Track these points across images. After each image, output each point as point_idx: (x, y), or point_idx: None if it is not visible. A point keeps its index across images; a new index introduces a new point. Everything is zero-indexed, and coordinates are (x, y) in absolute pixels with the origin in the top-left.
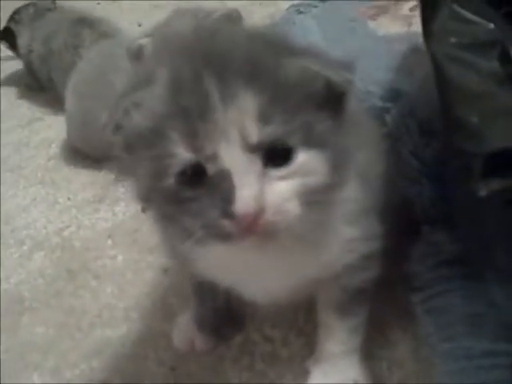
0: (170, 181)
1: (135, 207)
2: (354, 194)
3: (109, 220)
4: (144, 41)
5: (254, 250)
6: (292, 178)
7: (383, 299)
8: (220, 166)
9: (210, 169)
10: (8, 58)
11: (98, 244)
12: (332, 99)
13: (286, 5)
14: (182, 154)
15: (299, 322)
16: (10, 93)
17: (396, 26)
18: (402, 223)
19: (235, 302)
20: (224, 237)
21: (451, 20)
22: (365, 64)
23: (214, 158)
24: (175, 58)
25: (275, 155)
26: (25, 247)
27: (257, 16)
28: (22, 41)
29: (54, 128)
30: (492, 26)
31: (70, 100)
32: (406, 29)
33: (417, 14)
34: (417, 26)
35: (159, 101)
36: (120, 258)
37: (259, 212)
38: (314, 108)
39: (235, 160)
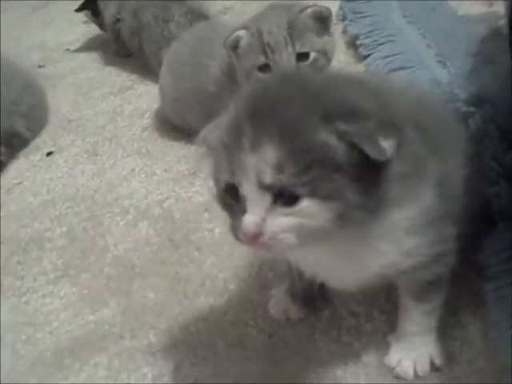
0: (221, 189)
1: None
2: (426, 204)
3: (204, 194)
4: (241, 32)
5: (321, 251)
6: (293, 217)
7: (455, 285)
8: (242, 192)
9: (240, 191)
10: (90, 21)
11: (196, 217)
12: (359, 164)
13: None
14: (225, 174)
15: (381, 300)
16: (98, 59)
17: (477, 6)
18: (479, 218)
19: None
20: (240, 241)
21: None
22: (445, 48)
23: (239, 185)
24: (241, 100)
25: (284, 197)
26: (129, 216)
27: None
28: (109, 11)
29: (145, 97)
30: None
31: (164, 77)
32: (487, 8)
33: None
34: (497, 7)
35: (223, 129)
36: (217, 230)
37: (258, 234)
38: (330, 169)
39: (249, 192)
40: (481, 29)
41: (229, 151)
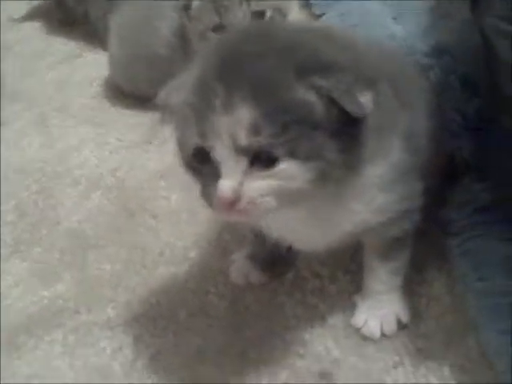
0: (189, 156)
1: None
2: (395, 159)
3: (158, 161)
4: None
5: (293, 214)
6: (272, 179)
7: (419, 241)
8: (214, 156)
9: (211, 155)
10: None
11: (151, 184)
12: (338, 120)
13: None
14: (194, 138)
15: (345, 260)
16: (42, 28)
17: None
18: (443, 174)
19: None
20: (213, 208)
21: None
22: (400, 5)
23: (212, 149)
24: (207, 57)
25: (261, 159)
26: (81, 187)
27: None
28: None
29: (93, 65)
30: None
31: (113, 42)
32: None
33: None
34: None
35: (188, 89)
36: (173, 198)
37: (235, 200)
38: (308, 127)
39: (224, 155)
40: None
41: (197, 112)
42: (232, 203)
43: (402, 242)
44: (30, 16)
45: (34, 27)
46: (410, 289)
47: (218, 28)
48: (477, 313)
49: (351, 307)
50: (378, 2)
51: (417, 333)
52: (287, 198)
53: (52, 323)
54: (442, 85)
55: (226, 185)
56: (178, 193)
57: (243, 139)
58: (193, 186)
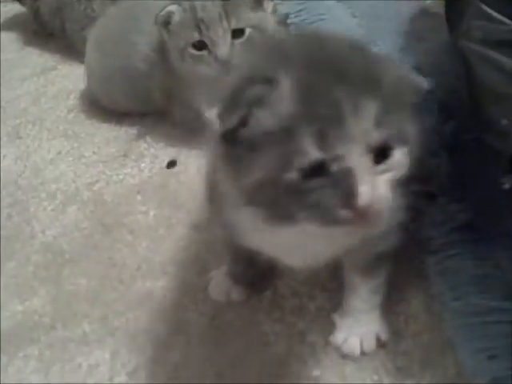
0: (293, 174)
1: (160, 164)
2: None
3: (136, 176)
4: (173, 8)
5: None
6: (389, 171)
7: (398, 260)
8: (344, 164)
9: (334, 167)
10: (6, 0)
11: (128, 199)
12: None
13: None
14: (312, 152)
15: (323, 278)
16: (16, 39)
17: None
18: (421, 193)
19: (265, 262)
20: (338, 223)
21: (478, 18)
22: (375, 27)
23: (340, 157)
24: (293, 63)
25: (379, 153)
26: (57, 201)
27: None
28: None
29: (70, 78)
30: None
31: (91, 55)
32: None
33: None
34: None
35: (288, 102)
36: (151, 213)
37: (372, 204)
38: (405, 111)
39: (359, 160)
40: (409, 8)
41: (317, 124)
42: (371, 207)
43: (383, 260)
44: (6, 27)
45: (10, 38)
46: (389, 307)
47: (199, 44)
48: (453, 332)
49: (330, 325)
50: (354, 23)
51: (395, 351)
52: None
53: (26, 339)
54: (420, 106)
55: (367, 190)
56: (156, 208)
57: (374, 136)
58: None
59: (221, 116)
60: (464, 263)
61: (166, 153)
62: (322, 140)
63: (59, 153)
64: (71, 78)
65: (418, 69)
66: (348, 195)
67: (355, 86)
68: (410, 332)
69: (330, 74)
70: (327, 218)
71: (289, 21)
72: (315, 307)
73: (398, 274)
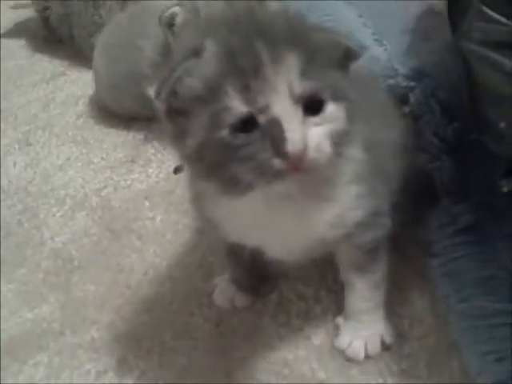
0: (224, 132)
1: (167, 169)
2: (356, 156)
3: (143, 181)
4: (176, 9)
5: (274, 208)
6: (323, 124)
7: (402, 262)
8: (271, 115)
9: (261, 118)
10: (17, 6)
11: (136, 205)
12: (346, 62)
13: None
14: (237, 107)
15: (328, 280)
16: (27, 45)
17: None
18: (421, 194)
19: (263, 263)
20: (275, 175)
21: (478, 20)
22: (381, 27)
23: (266, 108)
24: (220, 31)
25: (311, 106)
26: (66, 207)
27: None
28: None
29: (78, 84)
30: None
31: (98, 61)
32: None
33: None
34: None
35: (213, 64)
36: (158, 218)
37: (304, 151)
38: (337, 69)
39: (284, 109)
40: (415, 7)
41: (239, 79)
42: (302, 155)
43: (376, 254)
44: (16, 33)
45: (20, 44)
46: (393, 310)
47: None
48: (459, 334)
49: (335, 328)
50: (360, 23)
51: (400, 354)
52: (336, 142)
53: (36, 346)
54: (422, 108)
55: (295, 136)
56: (163, 213)
57: (298, 86)
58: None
59: (155, 93)
60: (469, 265)
61: (173, 158)
62: (246, 93)
63: (68, 159)
64: (80, 83)
65: (421, 69)
66: (277, 144)
67: (275, 39)
68: (415, 334)
69: (251, 33)
70: (264, 171)
71: None
72: (321, 310)
73: (401, 275)
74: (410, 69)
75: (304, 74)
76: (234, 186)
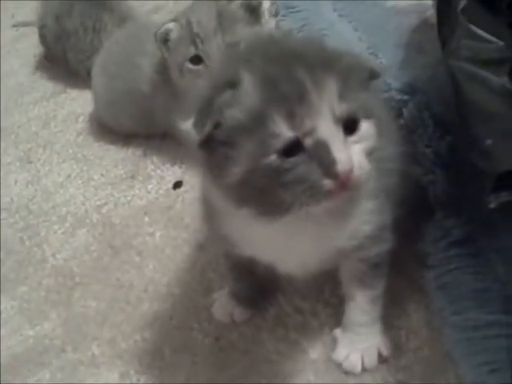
0: (272, 157)
1: (166, 185)
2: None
3: (143, 197)
4: (170, 25)
5: (296, 225)
6: (360, 142)
7: (398, 275)
8: (316, 137)
9: (307, 142)
10: (19, 24)
11: (136, 221)
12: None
13: None
14: (285, 133)
15: (325, 294)
16: (28, 63)
17: None
18: (416, 207)
19: (268, 277)
20: (325, 195)
21: (466, 38)
22: (376, 40)
23: (312, 131)
24: (253, 60)
25: (348, 126)
26: (67, 224)
27: None
28: (38, 14)
29: (78, 101)
30: (502, 43)
31: (97, 79)
32: (415, 0)
33: None
34: None
35: (254, 94)
36: (158, 234)
37: (352, 169)
38: (365, 89)
39: (329, 131)
40: (410, 20)
41: (284, 105)
42: (350, 173)
43: (378, 269)
44: (17, 51)
45: (21, 62)
46: (389, 322)
47: (195, 59)
48: (453, 346)
49: (332, 341)
50: (356, 37)
51: (397, 366)
52: (370, 159)
53: (38, 362)
54: (415, 121)
55: (343, 156)
56: (162, 228)
57: (338, 108)
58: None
59: (196, 125)
60: (463, 277)
61: (173, 173)
62: (292, 119)
63: (69, 176)
64: (80, 101)
65: (415, 83)
66: (328, 164)
67: (313, 65)
68: (411, 346)
69: (288, 60)
70: (313, 193)
71: None
72: (318, 323)
73: (398, 288)
74: (403, 83)
75: (342, 96)
76: (278, 208)
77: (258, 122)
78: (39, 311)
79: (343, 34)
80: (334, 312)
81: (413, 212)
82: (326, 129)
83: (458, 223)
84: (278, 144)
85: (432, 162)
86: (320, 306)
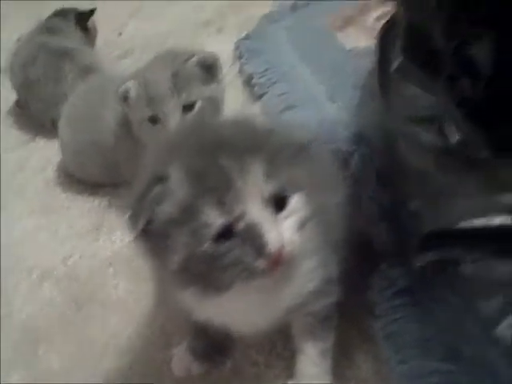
0: (207, 245)
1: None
2: (310, 230)
3: (108, 248)
4: (130, 83)
5: (245, 294)
6: (290, 217)
7: (348, 325)
8: (247, 221)
9: (239, 225)
10: None
11: (101, 273)
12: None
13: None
14: (216, 221)
15: (278, 348)
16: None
17: (363, 38)
18: (362, 258)
19: (224, 335)
20: (260, 273)
21: (400, 95)
22: (334, 83)
23: (242, 216)
24: (182, 154)
25: (277, 203)
26: (33, 276)
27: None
28: (10, 61)
29: (47, 150)
30: (434, 99)
31: (63, 129)
32: (372, 41)
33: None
34: None
35: (182, 189)
36: (121, 286)
37: (282, 247)
38: (292, 163)
39: (259, 213)
40: (367, 62)
41: (213, 195)
42: (282, 251)
43: (327, 321)
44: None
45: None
46: (340, 373)
47: (153, 119)
48: None
49: None
50: (314, 80)
51: None
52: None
53: None
54: (360, 173)
55: (273, 237)
56: (126, 280)
57: (265, 189)
58: None
59: (130, 221)
60: (408, 326)
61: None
62: (222, 206)
63: (37, 227)
64: (49, 150)
65: (364, 132)
66: (259, 246)
67: (239, 151)
68: None
69: (213, 150)
70: (247, 273)
71: (254, 81)
72: (273, 375)
73: (348, 338)
74: (352, 133)
75: (269, 176)
76: (219, 287)
77: (189, 214)
78: (7, 369)
79: (303, 78)
80: (287, 365)
81: (360, 262)
82: (256, 211)
83: (400, 274)
84: (211, 232)
85: (375, 214)
86: (273, 358)
